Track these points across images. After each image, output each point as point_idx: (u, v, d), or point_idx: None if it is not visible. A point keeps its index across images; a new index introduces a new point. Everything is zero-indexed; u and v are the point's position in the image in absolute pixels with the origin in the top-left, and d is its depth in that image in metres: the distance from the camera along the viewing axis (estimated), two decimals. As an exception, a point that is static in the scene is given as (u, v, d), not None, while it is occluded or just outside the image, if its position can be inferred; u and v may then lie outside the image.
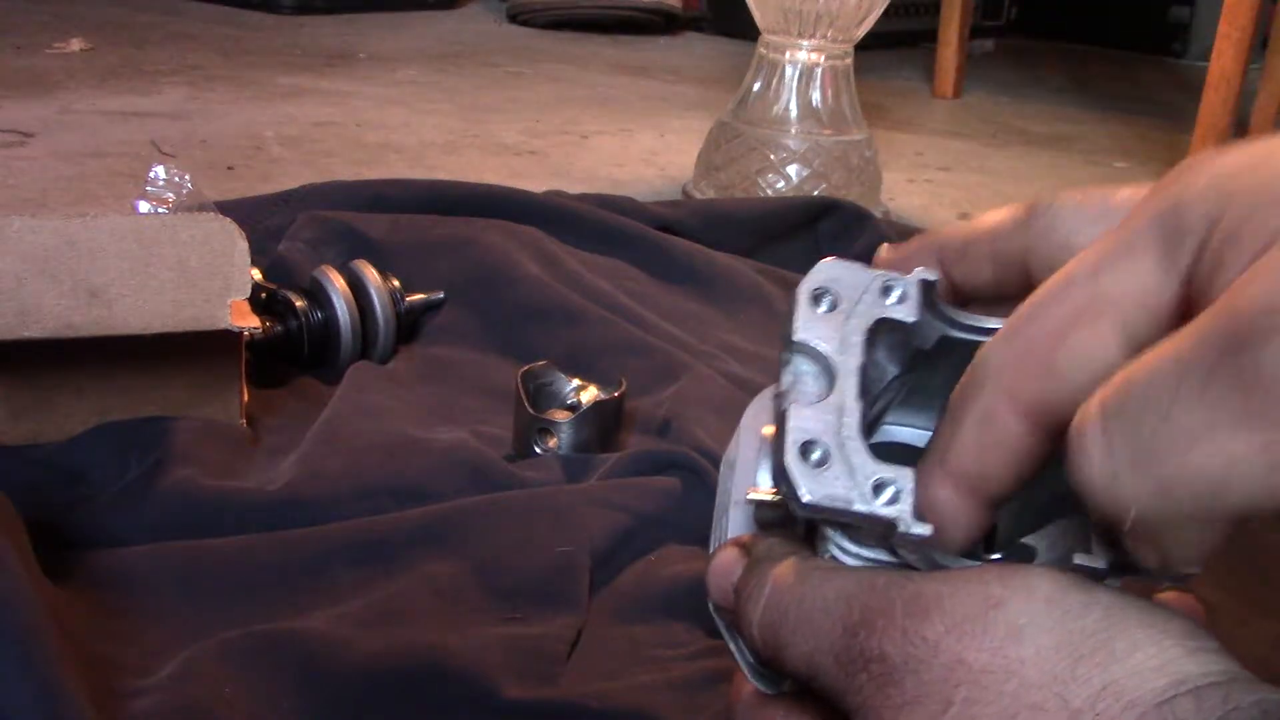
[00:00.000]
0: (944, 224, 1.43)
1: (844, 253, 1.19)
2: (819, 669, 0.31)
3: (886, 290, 0.32)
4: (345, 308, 0.83)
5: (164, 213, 0.86)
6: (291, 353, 0.83)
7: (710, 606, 0.38)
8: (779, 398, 0.31)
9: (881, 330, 0.32)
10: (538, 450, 0.73)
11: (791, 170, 1.38)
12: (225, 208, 0.91)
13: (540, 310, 0.91)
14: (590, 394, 0.76)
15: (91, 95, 1.69)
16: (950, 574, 0.29)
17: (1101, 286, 0.27)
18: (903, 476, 0.29)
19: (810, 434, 0.30)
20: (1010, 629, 0.27)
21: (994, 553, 0.32)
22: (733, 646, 0.38)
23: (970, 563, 0.30)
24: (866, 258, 1.18)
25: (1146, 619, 0.27)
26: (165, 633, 0.55)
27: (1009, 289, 0.34)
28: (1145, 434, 0.25)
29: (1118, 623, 0.27)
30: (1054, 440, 0.28)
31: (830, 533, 0.32)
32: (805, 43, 1.39)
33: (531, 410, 0.74)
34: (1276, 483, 0.23)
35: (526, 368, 0.76)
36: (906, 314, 0.32)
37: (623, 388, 0.76)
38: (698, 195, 1.43)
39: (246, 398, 0.74)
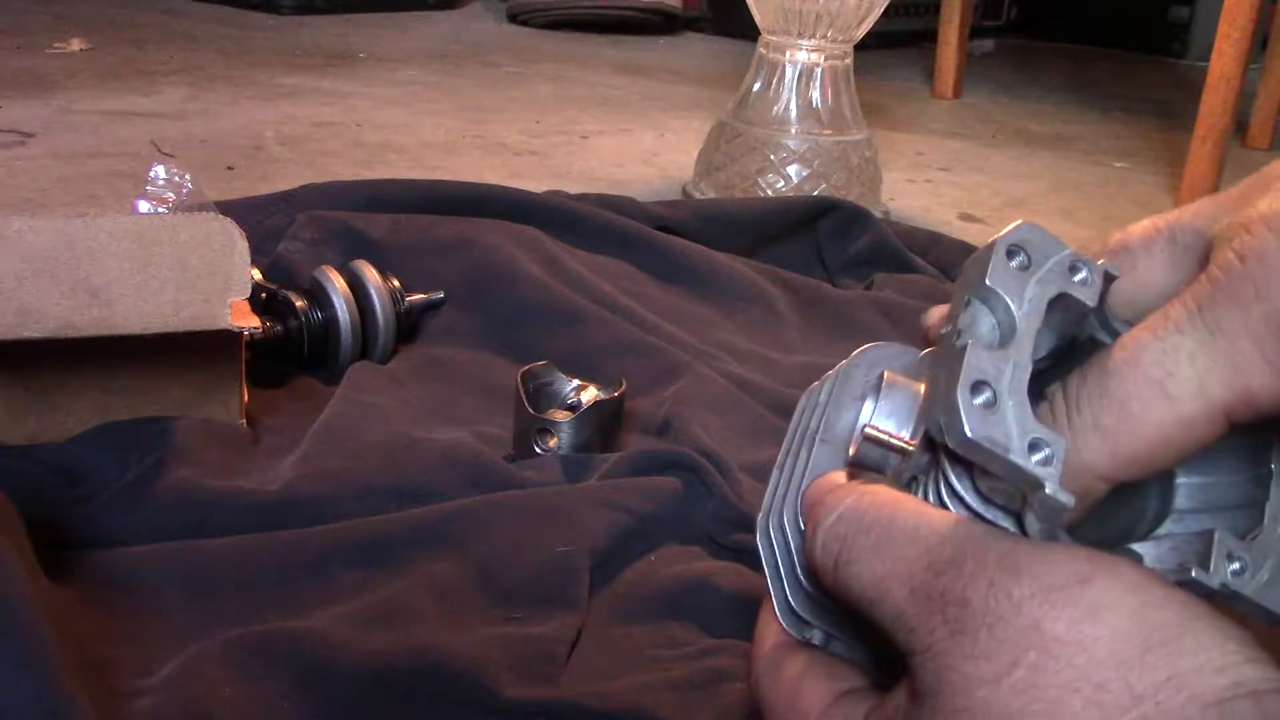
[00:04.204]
0: (944, 224, 1.43)
1: (844, 253, 1.18)
2: (887, 595, 0.31)
3: (1074, 268, 0.32)
4: (345, 308, 0.83)
5: (164, 213, 0.86)
6: (291, 353, 0.83)
7: (758, 534, 0.39)
8: (953, 334, 0.32)
9: (1056, 305, 0.32)
10: (538, 450, 0.73)
11: (791, 170, 1.38)
12: (225, 208, 0.91)
13: (540, 310, 0.91)
14: (590, 394, 0.76)
15: (91, 95, 1.69)
16: (1046, 544, 0.30)
17: (1212, 395, 0.29)
18: (1058, 443, 0.30)
19: (984, 375, 0.30)
20: (1091, 607, 0.28)
21: None
22: (771, 581, 0.38)
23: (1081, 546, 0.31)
24: (867, 258, 1.18)
25: (1215, 624, 0.29)
26: (165, 633, 0.55)
27: None
28: None
29: (1190, 622, 0.28)
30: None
31: (955, 478, 0.32)
32: (805, 43, 1.39)
33: (531, 410, 0.74)
34: None
35: (526, 368, 0.76)
36: (1088, 297, 0.32)
37: (623, 388, 0.76)
38: (698, 195, 1.43)
39: (246, 398, 0.74)
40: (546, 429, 0.74)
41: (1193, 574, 0.30)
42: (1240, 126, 2.04)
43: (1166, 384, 0.30)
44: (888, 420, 0.35)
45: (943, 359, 0.32)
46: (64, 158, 1.36)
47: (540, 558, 0.62)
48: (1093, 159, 1.94)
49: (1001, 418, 0.30)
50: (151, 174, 0.89)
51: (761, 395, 0.84)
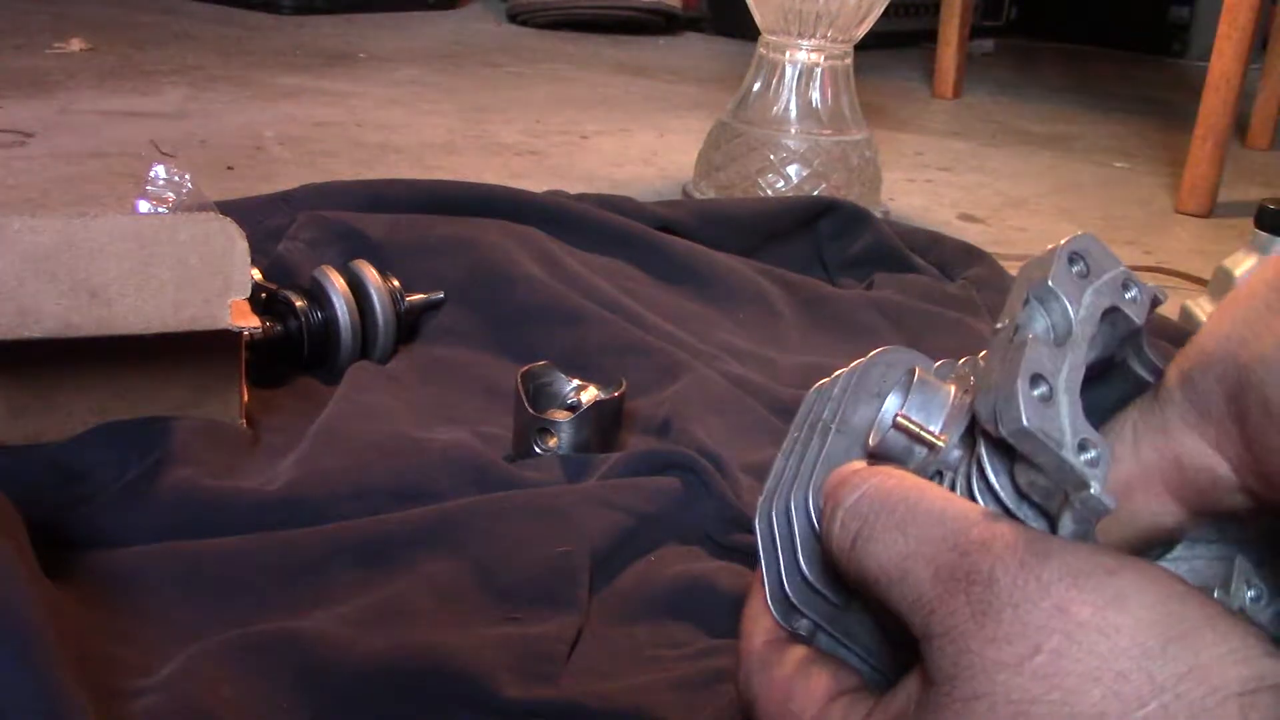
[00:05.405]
0: (944, 224, 1.43)
1: (844, 253, 1.18)
2: (909, 574, 0.31)
3: (1126, 285, 0.33)
4: (345, 308, 0.83)
5: (164, 213, 0.86)
6: (291, 353, 0.83)
7: (757, 517, 0.39)
8: (1010, 329, 0.32)
9: (1107, 318, 0.32)
10: (538, 450, 0.73)
11: (791, 170, 1.38)
12: (225, 208, 0.91)
13: (540, 310, 0.91)
14: (590, 394, 0.76)
15: (91, 95, 1.69)
16: (1072, 540, 0.30)
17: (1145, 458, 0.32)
18: (1105, 447, 0.30)
19: (1043, 369, 0.30)
20: (1118, 594, 0.29)
21: None
22: (766, 565, 0.39)
23: None
24: (867, 258, 1.18)
25: (1235, 619, 0.29)
26: (165, 633, 0.55)
27: None
28: None
29: (1211, 617, 0.28)
30: None
31: (992, 472, 0.32)
32: (805, 43, 1.39)
33: (531, 410, 0.74)
34: None
35: (526, 368, 0.76)
36: (1136, 315, 0.33)
37: (623, 388, 0.76)
38: (698, 195, 1.43)
39: (246, 398, 0.74)
40: (546, 429, 0.74)
41: (1215, 595, 0.30)
42: (1240, 126, 2.04)
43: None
44: (918, 414, 0.36)
45: (997, 352, 0.32)
46: (64, 158, 1.36)
47: (540, 558, 0.62)
48: (1093, 159, 1.94)
49: (1056, 413, 0.30)
50: (151, 174, 0.89)
51: (761, 395, 0.84)
